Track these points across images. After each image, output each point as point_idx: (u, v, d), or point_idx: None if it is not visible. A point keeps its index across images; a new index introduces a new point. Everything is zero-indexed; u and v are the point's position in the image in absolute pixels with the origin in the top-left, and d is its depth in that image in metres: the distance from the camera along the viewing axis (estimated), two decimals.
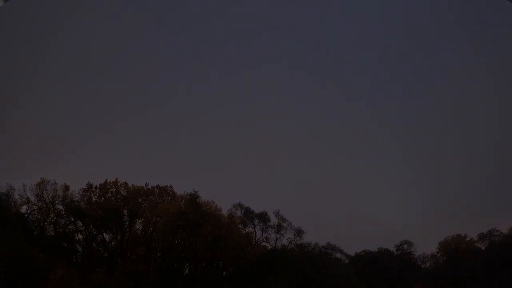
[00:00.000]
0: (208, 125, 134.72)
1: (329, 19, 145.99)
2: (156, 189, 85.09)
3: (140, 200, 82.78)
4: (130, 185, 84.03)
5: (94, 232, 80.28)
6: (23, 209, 77.65)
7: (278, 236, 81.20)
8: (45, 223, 78.47)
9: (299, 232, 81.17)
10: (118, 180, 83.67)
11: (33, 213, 78.21)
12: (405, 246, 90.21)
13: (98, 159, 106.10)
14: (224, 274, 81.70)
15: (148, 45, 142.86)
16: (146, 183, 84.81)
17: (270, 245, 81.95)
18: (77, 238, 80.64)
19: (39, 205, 77.48)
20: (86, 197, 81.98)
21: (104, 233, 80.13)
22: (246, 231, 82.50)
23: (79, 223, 79.29)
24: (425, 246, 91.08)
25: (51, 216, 78.57)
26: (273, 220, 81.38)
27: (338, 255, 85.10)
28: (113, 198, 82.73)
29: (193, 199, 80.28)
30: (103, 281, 67.83)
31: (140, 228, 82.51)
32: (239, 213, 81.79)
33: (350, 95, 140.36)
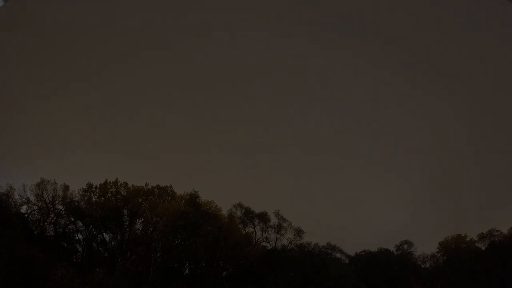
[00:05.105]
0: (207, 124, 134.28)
1: None
2: (156, 189, 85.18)
3: (140, 200, 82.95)
4: (130, 185, 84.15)
5: (94, 232, 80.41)
6: (23, 209, 78.07)
7: (278, 236, 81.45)
8: (45, 223, 78.73)
9: (299, 232, 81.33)
10: (118, 180, 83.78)
11: (33, 213, 78.50)
12: (405, 246, 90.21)
13: (98, 159, 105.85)
14: (224, 274, 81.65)
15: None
16: (146, 183, 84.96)
17: (270, 245, 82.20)
18: (77, 238, 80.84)
19: (39, 205, 77.77)
20: (86, 197, 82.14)
21: (104, 233, 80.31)
22: (246, 231, 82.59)
23: (79, 223, 79.54)
24: (425, 246, 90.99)
25: (51, 216, 78.79)
26: (273, 220, 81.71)
27: (338, 255, 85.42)
28: (113, 198, 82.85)
29: (193, 199, 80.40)
30: (103, 281, 67.89)
31: (140, 228, 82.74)
32: (239, 213, 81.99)
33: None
